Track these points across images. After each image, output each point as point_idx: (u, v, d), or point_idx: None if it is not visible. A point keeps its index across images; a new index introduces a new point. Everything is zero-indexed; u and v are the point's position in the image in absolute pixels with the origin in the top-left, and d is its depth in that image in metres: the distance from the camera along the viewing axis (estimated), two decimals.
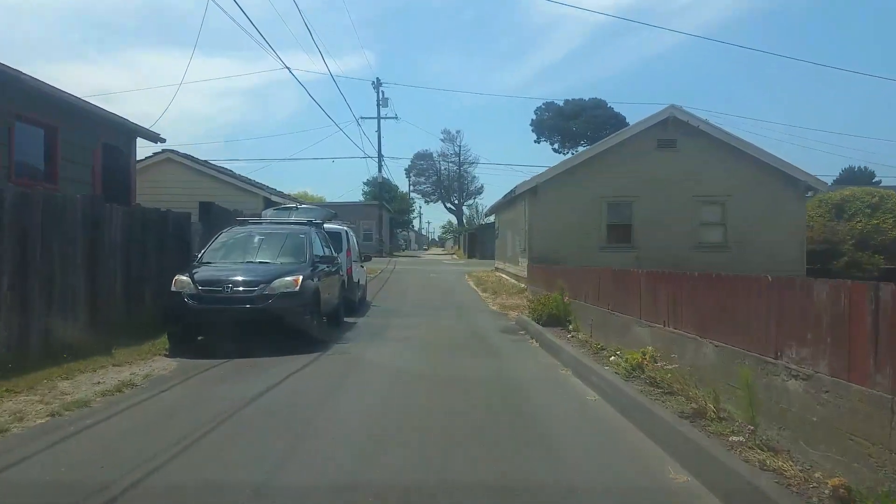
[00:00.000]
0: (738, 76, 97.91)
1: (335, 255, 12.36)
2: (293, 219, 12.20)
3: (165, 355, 8.76)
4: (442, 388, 6.83)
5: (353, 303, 14.46)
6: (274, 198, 18.37)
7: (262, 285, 8.81)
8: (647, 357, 7.25)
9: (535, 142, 69.38)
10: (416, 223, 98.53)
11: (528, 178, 19.90)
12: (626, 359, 7.32)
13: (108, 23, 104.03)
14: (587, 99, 67.47)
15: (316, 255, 10.34)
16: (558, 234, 19.36)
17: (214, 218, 12.57)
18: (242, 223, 11.43)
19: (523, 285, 20.02)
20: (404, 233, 79.50)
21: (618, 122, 58.33)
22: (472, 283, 24.45)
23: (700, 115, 19.73)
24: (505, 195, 23.76)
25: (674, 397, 6.08)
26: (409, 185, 78.32)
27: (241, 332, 9.04)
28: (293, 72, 49.97)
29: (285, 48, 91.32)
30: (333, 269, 11.51)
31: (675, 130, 19.46)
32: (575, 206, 19.42)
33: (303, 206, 13.82)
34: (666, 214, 19.38)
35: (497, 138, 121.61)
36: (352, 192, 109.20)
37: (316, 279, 9.77)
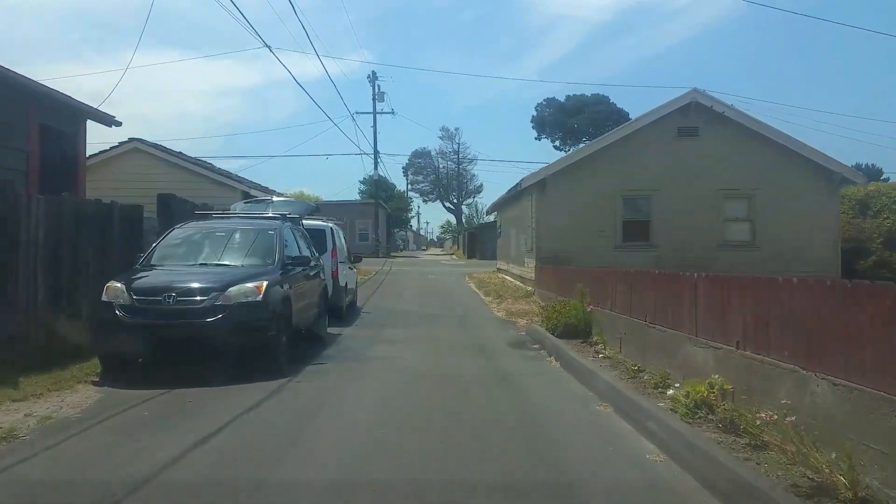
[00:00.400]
0: (739, 75, 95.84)
1: (315, 255, 10.54)
2: (270, 213, 10.36)
3: (94, 382, 6.95)
4: (442, 438, 5.01)
5: (339, 310, 12.66)
6: (254, 192, 16.59)
7: (213, 294, 6.97)
8: (715, 391, 5.45)
9: (535, 139, 67.54)
10: (414, 223, 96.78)
11: (534, 171, 18.09)
12: (687, 392, 5.52)
13: (108, 23, 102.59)
14: (589, 94, 65.63)
15: (288, 256, 8.51)
16: (568, 232, 17.54)
17: (175, 212, 10.74)
18: (202, 217, 9.60)
19: (530, 288, 18.22)
20: (402, 233, 77.63)
21: (620, 117, 56.47)
22: (473, 286, 22.64)
23: (724, 100, 17.92)
24: (509, 190, 21.96)
25: (765, 453, 4.29)
26: (407, 183, 76.51)
27: (191, 351, 7.24)
28: (273, 50, 47.53)
29: (283, 50, 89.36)
30: (312, 273, 9.69)
31: (697, 117, 17.65)
32: (587, 201, 17.60)
33: (278, 198, 12.04)
34: (687, 210, 17.56)
35: (497, 136, 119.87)
36: (348, 190, 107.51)
37: (286, 285, 7.95)
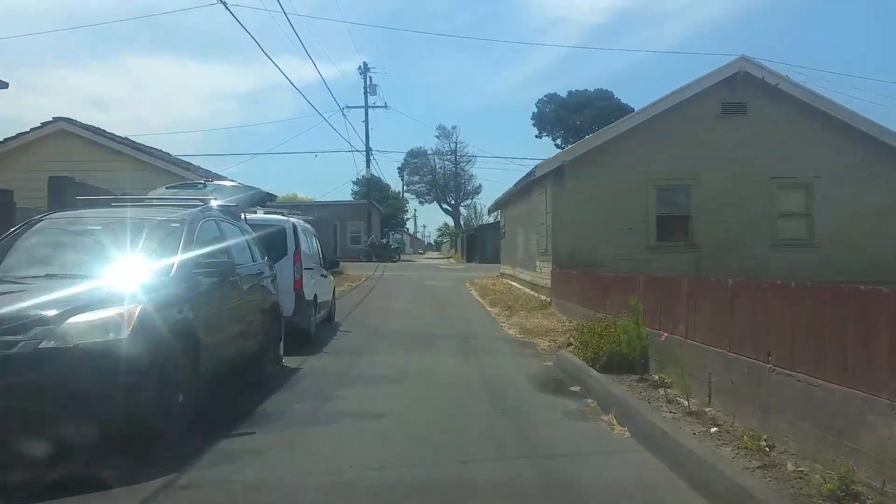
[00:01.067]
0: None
1: (262, 259, 7.56)
2: (213, 199, 7.32)
3: None
4: None
5: (305, 332, 9.67)
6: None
7: (39, 329, 3.97)
8: None
9: (536, 137, 64.49)
10: (410, 226, 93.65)
11: (550, 157, 15.09)
12: None
13: (102, 28, 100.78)
14: (592, 90, 62.79)
15: (201, 262, 5.51)
16: (591, 230, 14.59)
17: (74, 201, 7.71)
18: (90, 205, 6.60)
19: (545, 297, 15.25)
20: (397, 235, 74.48)
21: (625, 114, 53.65)
22: (475, 294, 19.66)
23: (777, 70, 14.95)
24: (517, 182, 18.97)
25: None
26: (403, 184, 73.40)
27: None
28: (235, 14, 44.85)
29: (277, 53, 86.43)
30: (250, 286, 6.69)
31: (745, 91, 14.70)
32: (613, 192, 14.64)
33: (216, 181, 9.03)
34: (734, 202, 14.65)
35: (495, 136, 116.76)
36: (341, 192, 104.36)
37: (189, 309, 4.94)
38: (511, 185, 20.53)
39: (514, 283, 21.09)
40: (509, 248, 23.56)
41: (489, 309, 15.51)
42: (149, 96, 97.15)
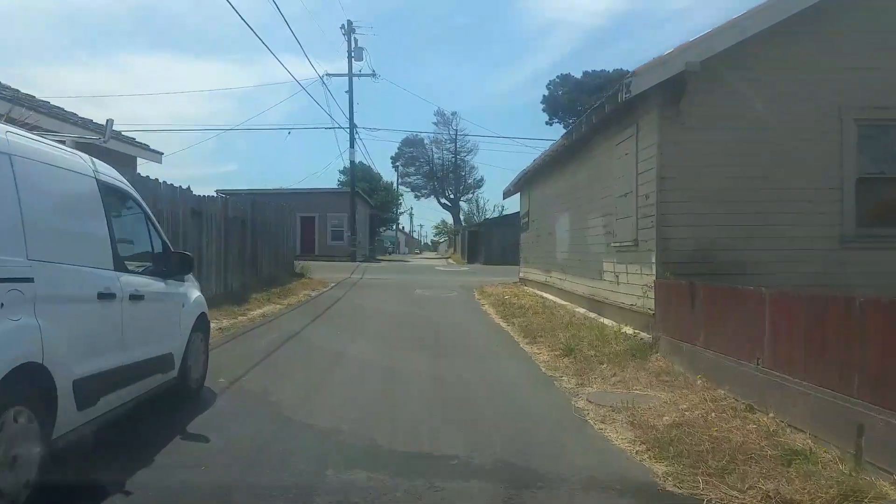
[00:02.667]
0: None
1: None
2: None
3: None
4: None
5: None
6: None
7: None
8: None
9: (546, 123, 57.37)
10: (406, 223, 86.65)
11: (657, 56, 7.85)
12: None
13: (100, 26, 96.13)
14: (611, 70, 55.66)
15: None
16: (734, 204, 7.54)
17: None
18: None
19: (632, 330, 8.16)
20: (390, 232, 67.25)
21: None
22: (493, 313, 12.61)
23: None
24: (566, 133, 11.79)
25: None
26: (397, 176, 66.15)
27: None
28: None
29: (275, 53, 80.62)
30: None
31: None
32: (774, 132, 7.57)
33: None
34: None
35: (499, 125, 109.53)
36: (326, 182, 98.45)
37: None
38: (558, 139, 13.36)
39: (548, 296, 13.99)
40: (539, 243, 16.41)
41: (528, 350, 8.43)
42: (144, 92, 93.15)
